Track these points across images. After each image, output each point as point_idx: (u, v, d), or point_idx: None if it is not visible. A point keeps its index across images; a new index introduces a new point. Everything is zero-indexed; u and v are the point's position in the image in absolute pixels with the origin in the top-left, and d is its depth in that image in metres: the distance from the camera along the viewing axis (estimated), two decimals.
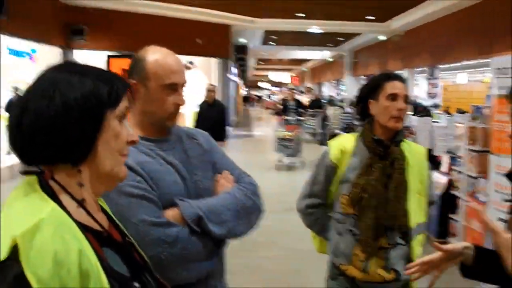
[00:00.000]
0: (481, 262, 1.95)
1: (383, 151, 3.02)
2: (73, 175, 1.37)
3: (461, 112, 12.13)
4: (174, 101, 2.26)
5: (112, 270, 1.33)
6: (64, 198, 1.33)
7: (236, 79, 32.33)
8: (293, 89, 21.65)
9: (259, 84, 71.44)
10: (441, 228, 7.52)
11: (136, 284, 1.42)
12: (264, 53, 34.36)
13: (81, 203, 1.37)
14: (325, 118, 20.84)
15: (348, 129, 15.89)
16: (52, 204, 1.27)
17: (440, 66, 18.58)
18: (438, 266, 2.10)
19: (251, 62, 40.32)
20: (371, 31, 22.13)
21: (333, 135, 16.77)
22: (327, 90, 42.03)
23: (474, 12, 14.48)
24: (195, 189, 2.28)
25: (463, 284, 6.48)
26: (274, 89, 71.51)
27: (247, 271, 6.64)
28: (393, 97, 2.99)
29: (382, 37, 22.47)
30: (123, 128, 1.45)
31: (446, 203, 7.51)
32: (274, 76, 56.74)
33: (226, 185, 2.38)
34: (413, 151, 3.16)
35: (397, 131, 3.05)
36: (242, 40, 24.18)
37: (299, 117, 17.23)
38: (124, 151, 1.47)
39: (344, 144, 3.16)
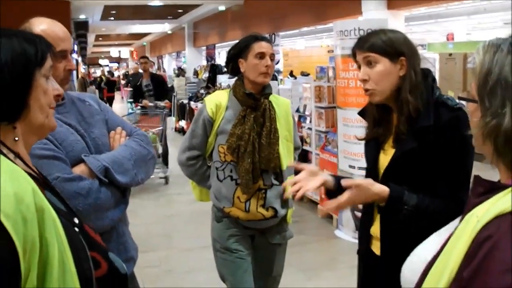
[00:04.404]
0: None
1: (254, 103, 3.37)
2: (10, 131, 1.51)
3: (305, 74, 12.87)
4: (64, 67, 2.43)
5: (56, 206, 1.49)
6: (4, 151, 1.48)
7: (75, 56, 31.40)
8: (145, 57, 12.08)
9: (100, 61, 69.51)
10: None
11: (76, 220, 1.61)
12: (104, 28, 33.60)
13: (18, 155, 1.52)
14: (171, 89, 20.86)
15: (194, 98, 16.08)
16: (1, 156, 1.42)
17: (280, 33, 19.24)
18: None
19: (91, 39, 39.29)
20: (211, 2, 22.35)
21: (182, 106, 16.97)
22: (168, 63, 42.01)
23: None
24: (95, 146, 2.48)
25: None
26: (113, 65, 69.98)
27: None
28: (261, 55, 3.34)
29: (222, 8, 22.78)
30: (49, 84, 1.61)
31: (299, 158, 8.06)
32: (114, 52, 55.48)
33: (121, 139, 2.62)
34: (280, 103, 3.55)
35: (265, 85, 3.42)
36: (82, 17, 23.55)
37: (160, 103, 10.84)
38: (52, 104, 1.62)
39: (219, 99, 3.47)
